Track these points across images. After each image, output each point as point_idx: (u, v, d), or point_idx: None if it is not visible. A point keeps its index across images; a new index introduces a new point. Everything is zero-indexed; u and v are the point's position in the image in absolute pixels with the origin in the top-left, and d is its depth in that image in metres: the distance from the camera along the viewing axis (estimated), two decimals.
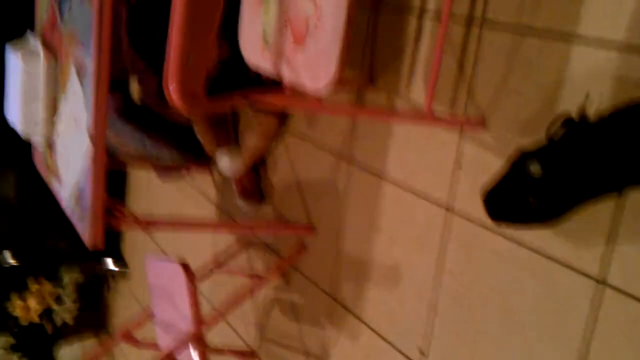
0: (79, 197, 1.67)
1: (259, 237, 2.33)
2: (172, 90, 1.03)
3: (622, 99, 1.13)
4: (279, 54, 1.18)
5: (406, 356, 1.64)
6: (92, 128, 1.53)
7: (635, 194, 1.12)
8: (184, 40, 1.01)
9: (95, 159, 1.54)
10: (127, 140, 2.41)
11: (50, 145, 1.94)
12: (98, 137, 1.53)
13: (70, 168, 1.72)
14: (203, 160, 2.52)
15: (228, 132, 2.26)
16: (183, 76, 1.03)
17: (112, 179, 3.40)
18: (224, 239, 2.58)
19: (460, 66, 1.44)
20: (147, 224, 1.68)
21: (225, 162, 2.15)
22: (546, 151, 1.12)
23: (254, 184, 2.26)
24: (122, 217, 1.65)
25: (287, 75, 1.19)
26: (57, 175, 1.88)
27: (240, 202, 2.30)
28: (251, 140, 2.13)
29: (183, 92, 1.03)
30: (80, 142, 1.61)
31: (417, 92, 1.57)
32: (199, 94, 1.07)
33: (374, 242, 1.75)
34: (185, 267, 1.96)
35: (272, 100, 1.18)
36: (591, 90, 1.18)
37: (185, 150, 2.47)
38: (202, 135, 2.20)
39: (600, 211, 1.17)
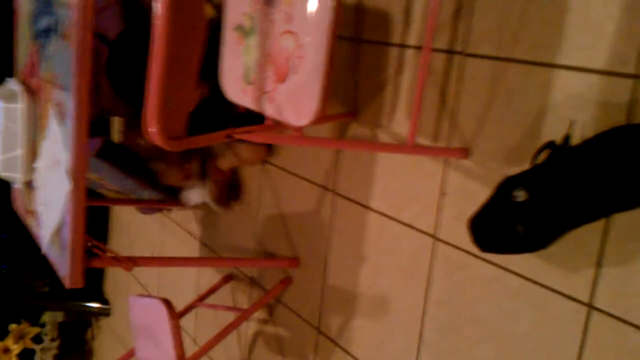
0: (58, 238, 1.64)
1: (244, 271, 2.31)
2: (153, 133, 1.01)
3: (606, 123, 1.14)
4: (261, 92, 1.18)
5: None
6: (72, 169, 1.51)
7: (621, 218, 1.12)
8: (163, 83, 1.00)
9: (75, 200, 1.52)
10: (107, 180, 2.40)
11: (30, 188, 1.91)
12: (78, 178, 1.51)
13: (50, 209, 1.70)
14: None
15: (195, 165, 2.25)
16: (163, 118, 1.02)
17: (94, 215, 3.36)
18: (208, 276, 2.55)
19: (443, 98, 1.45)
20: (128, 262, 1.65)
21: (194, 197, 2.12)
22: (530, 175, 1.12)
23: (227, 189, 2.26)
24: (102, 257, 1.62)
25: (270, 112, 1.18)
26: (36, 217, 1.85)
27: (212, 204, 2.30)
28: (224, 164, 2.12)
29: (164, 135, 1.02)
30: (61, 184, 1.59)
31: (400, 125, 1.57)
32: (180, 134, 1.06)
33: (359, 273, 1.73)
34: (167, 303, 1.93)
35: (255, 137, 1.17)
36: (574, 116, 1.18)
37: (163, 190, 2.47)
38: (167, 169, 2.16)
39: (587, 236, 1.17)
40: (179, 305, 2.12)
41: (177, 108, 1.03)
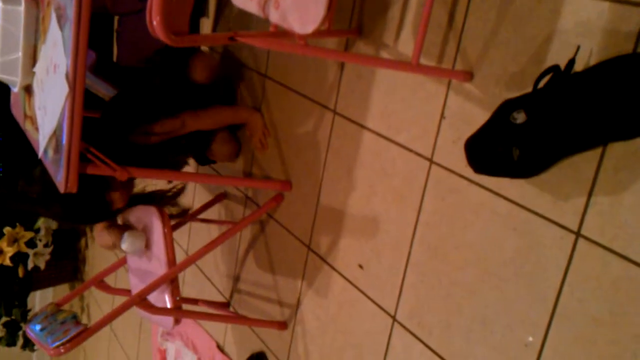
0: (54, 143, 1.64)
1: (239, 189, 2.32)
2: (156, 25, 1.00)
3: (613, 52, 1.13)
4: None
5: (379, 306, 1.66)
6: (70, 72, 1.50)
7: (617, 147, 1.12)
8: None
9: (72, 104, 1.51)
10: (101, 89, 2.39)
11: (28, 92, 1.90)
12: (77, 82, 1.50)
13: (48, 114, 1.69)
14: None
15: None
16: (167, 13, 1.00)
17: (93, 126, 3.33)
18: (203, 193, 2.57)
19: (450, 19, 1.42)
20: (123, 171, 1.66)
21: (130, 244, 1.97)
22: (530, 98, 1.12)
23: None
24: (97, 163, 1.63)
25: (275, 19, 1.16)
26: (34, 122, 1.84)
27: None
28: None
29: (166, 29, 1.00)
30: (59, 89, 1.58)
31: (406, 45, 1.55)
32: (183, 31, 1.05)
33: (353, 194, 1.75)
34: (161, 210, 1.95)
35: (258, 42, 1.15)
36: (581, 43, 1.17)
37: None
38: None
39: (582, 164, 1.17)
40: (173, 221, 2.15)
41: (181, 5, 1.02)
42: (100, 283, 2.19)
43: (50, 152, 1.68)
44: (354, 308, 1.75)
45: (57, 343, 1.75)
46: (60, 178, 1.61)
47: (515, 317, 1.30)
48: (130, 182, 1.90)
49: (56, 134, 1.62)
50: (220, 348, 2.49)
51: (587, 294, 1.17)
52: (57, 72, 1.59)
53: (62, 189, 1.60)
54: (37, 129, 1.80)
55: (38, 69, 1.78)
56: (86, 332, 1.78)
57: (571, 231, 1.20)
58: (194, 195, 2.64)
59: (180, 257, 2.00)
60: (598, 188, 1.16)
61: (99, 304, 3.87)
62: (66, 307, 1.95)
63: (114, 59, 2.49)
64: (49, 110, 1.67)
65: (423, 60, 1.48)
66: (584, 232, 1.18)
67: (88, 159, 1.65)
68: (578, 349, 1.18)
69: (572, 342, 1.19)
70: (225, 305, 2.43)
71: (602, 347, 1.14)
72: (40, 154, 1.76)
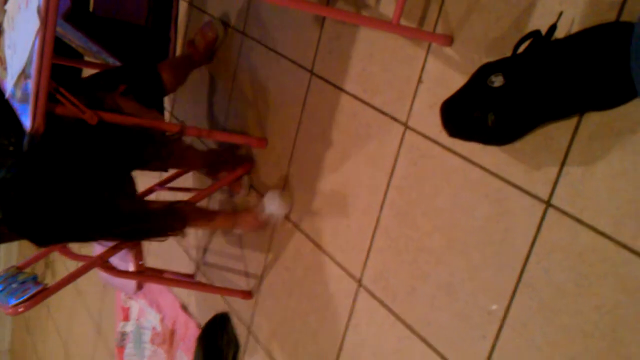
0: (22, 82, 1.59)
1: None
2: None
3: (595, 20, 1.11)
4: None
5: (345, 270, 1.64)
6: (43, 5, 1.44)
7: (593, 117, 1.11)
8: None
9: (43, 39, 1.46)
10: (73, 38, 2.33)
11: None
12: (48, 16, 1.44)
13: (17, 52, 1.64)
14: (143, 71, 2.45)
15: None
16: None
17: (68, 74, 3.26)
18: None
19: None
20: (93, 115, 1.61)
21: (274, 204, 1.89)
22: (509, 63, 1.10)
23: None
24: (66, 104, 1.57)
25: None
26: (3, 62, 1.78)
27: None
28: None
29: None
30: (30, 24, 1.52)
31: (388, 7, 1.53)
32: None
33: (325, 157, 1.72)
34: None
35: None
36: (564, 10, 1.15)
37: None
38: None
39: (556, 134, 1.16)
40: (141, 188, 2.10)
41: None
42: (63, 248, 2.12)
43: (18, 93, 1.62)
44: (320, 271, 1.73)
45: (16, 302, 1.72)
46: (26, 121, 1.56)
47: (479, 285, 1.29)
48: None
49: (25, 72, 1.56)
50: (184, 308, 2.47)
51: (554, 264, 1.17)
52: (29, 7, 1.53)
53: (28, 129, 1.55)
54: (5, 69, 1.75)
55: (9, 6, 1.72)
56: (45, 292, 1.75)
57: (541, 200, 1.19)
58: None
59: None
60: (571, 158, 1.15)
61: (64, 260, 3.82)
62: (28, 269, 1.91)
63: (90, 8, 2.42)
64: (18, 48, 1.62)
65: (404, 22, 1.45)
66: (554, 201, 1.17)
67: (57, 100, 1.60)
68: (541, 318, 1.18)
69: (536, 311, 1.19)
70: (191, 277, 2.39)
71: (564, 317, 1.14)
72: (7, 94, 1.71)
